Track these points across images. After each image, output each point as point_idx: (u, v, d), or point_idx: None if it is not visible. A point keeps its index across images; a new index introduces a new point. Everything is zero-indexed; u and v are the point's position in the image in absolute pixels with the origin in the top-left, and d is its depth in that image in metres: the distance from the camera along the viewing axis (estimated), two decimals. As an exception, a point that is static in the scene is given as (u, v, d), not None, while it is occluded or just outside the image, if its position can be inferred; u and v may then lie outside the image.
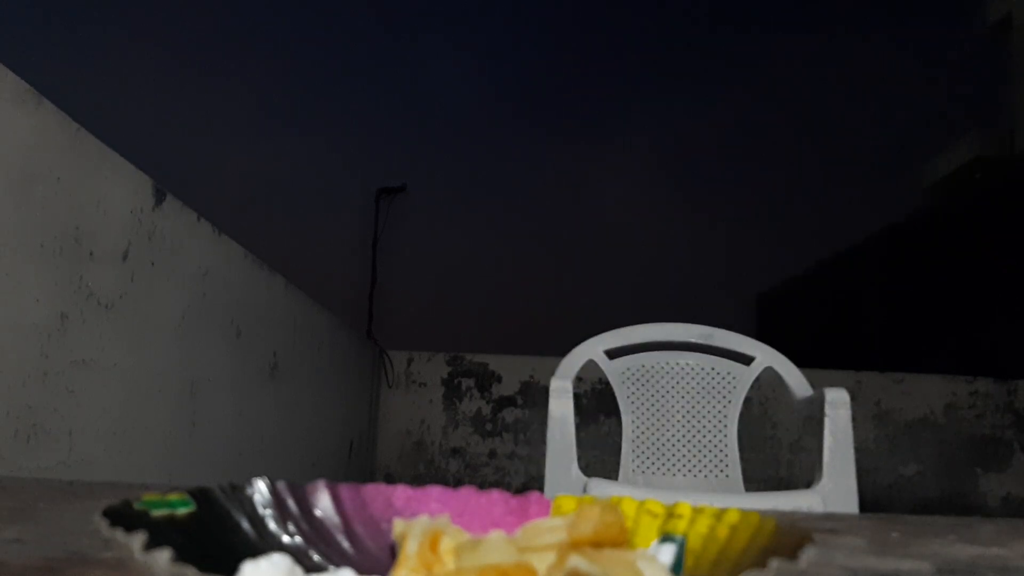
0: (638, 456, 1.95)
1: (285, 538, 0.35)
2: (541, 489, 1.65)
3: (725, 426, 2.02)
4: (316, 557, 0.35)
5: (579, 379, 1.93)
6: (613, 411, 2.07)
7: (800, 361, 2.02)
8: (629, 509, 0.35)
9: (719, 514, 0.33)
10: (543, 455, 1.72)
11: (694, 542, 0.32)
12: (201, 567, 0.23)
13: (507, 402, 4.93)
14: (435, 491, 0.38)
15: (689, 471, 1.99)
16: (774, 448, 4.76)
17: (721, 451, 2.00)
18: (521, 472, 4.93)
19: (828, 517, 0.70)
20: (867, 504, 1.76)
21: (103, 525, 0.26)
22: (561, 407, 1.76)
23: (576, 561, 0.26)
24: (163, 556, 0.23)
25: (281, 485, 0.36)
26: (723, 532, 0.32)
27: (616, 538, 0.30)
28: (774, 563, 0.24)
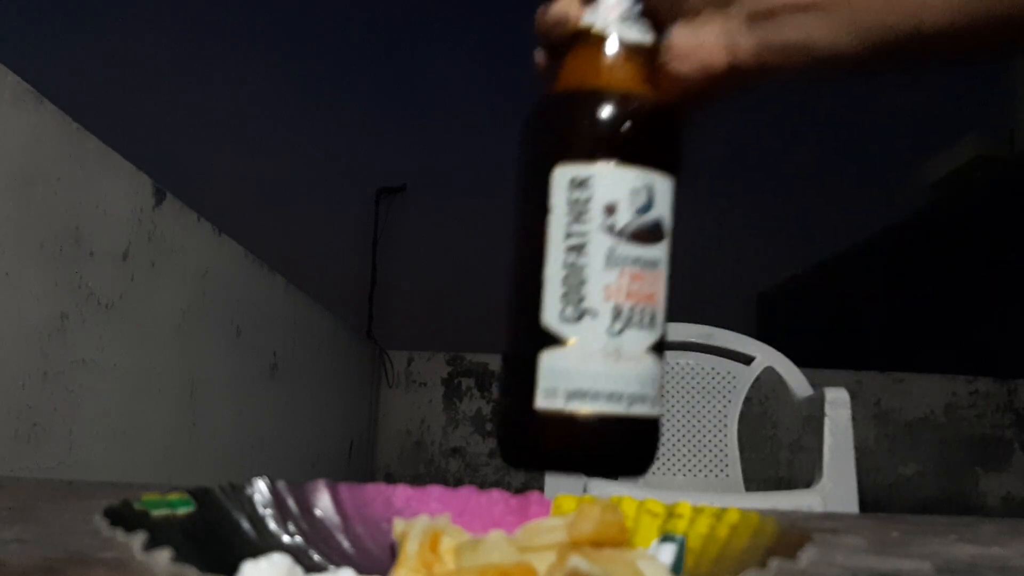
0: (638, 456, 1.95)
1: (285, 538, 0.35)
2: (541, 489, 1.65)
3: (725, 426, 2.02)
4: (316, 557, 0.35)
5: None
6: (613, 411, 2.07)
7: (800, 361, 2.02)
8: (629, 509, 0.35)
9: (719, 514, 0.33)
10: (543, 455, 1.71)
11: (694, 542, 0.32)
12: (201, 567, 0.23)
13: (507, 402, 4.92)
14: (435, 491, 0.38)
15: (689, 471, 1.99)
16: (774, 448, 4.76)
17: (721, 451, 2.00)
18: (521, 472, 4.93)
19: (828, 517, 0.70)
20: (867, 504, 1.76)
21: (103, 525, 0.26)
22: (561, 407, 1.76)
23: (576, 561, 0.26)
24: (163, 556, 0.23)
25: (281, 485, 0.36)
26: (723, 532, 0.32)
27: (616, 538, 0.30)
28: (774, 563, 0.24)
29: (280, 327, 2.79)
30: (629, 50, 0.46)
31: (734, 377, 2.04)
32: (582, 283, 0.42)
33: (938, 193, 10.86)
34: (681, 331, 2.04)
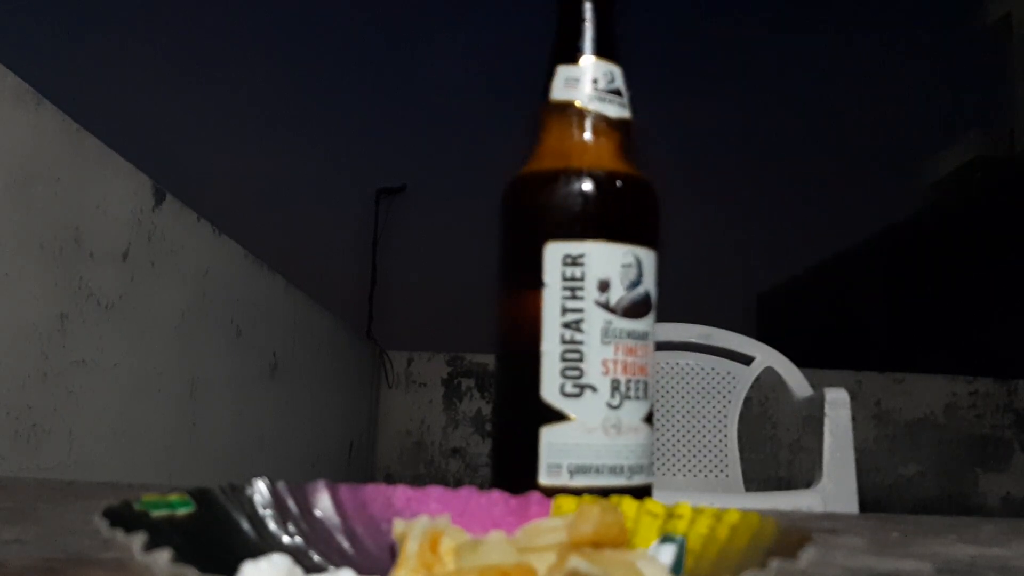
0: (638, 456, 1.95)
1: (285, 538, 0.35)
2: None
3: (725, 426, 2.02)
4: (316, 557, 0.35)
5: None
6: (613, 411, 2.07)
7: (800, 361, 2.01)
8: (629, 509, 0.35)
9: (719, 514, 0.33)
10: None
11: (694, 542, 0.32)
12: (201, 568, 0.23)
13: (507, 402, 4.92)
14: (435, 491, 0.38)
15: (689, 471, 1.99)
16: (774, 448, 4.75)
17: (721, 451, 2.00)
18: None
19: (828, 517, 0.70)
20: (867, 504, 1.76)
21: (103, 526, 0.26)
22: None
23: (576, 562, 0.26)
24: (163, 557, 0.23)
25: (281, 485, 0.36)
26: (723, 532, 0.32)
27: (616, 538, 0.30)
28: (774, 563, 0.24)
29: (280, 327, 2.79)
30: (611, 126, 0.46)
31: (734, 377, 2.04)
32: (581, 358, 0.43)
33: (938, 193, 10.86)
34: (681, 331, 2.04)
